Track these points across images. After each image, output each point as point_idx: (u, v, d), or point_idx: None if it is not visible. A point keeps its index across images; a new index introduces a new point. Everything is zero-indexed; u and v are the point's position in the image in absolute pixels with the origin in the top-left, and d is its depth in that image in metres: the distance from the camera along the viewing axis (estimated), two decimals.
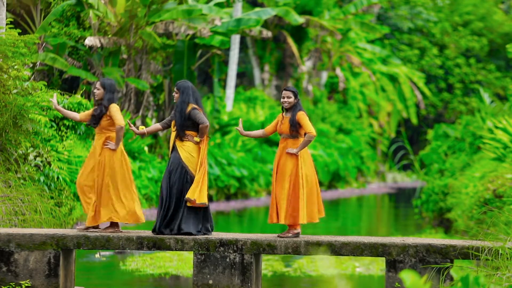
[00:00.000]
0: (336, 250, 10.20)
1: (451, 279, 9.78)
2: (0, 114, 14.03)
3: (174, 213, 10.50)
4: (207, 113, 33.28)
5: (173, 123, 10.73)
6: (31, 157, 14.75)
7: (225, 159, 31.17)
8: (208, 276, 10.30)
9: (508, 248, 9.25)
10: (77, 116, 11.16)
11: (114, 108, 10.81)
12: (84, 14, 26.36)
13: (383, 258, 10.69)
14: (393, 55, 51.32)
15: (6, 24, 15.59)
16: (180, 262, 15.36)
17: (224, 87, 38.51)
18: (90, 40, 25.26)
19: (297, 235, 10.47)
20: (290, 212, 10.39)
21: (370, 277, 14.54)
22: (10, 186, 13.72)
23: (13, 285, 10.34)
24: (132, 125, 10.89)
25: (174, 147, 10.66)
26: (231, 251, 10.28)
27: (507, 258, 9.12)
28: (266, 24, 39.79)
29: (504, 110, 25.06)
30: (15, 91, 14.23)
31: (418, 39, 56.87)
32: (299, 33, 42.00)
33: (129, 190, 10.85)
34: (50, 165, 15.00)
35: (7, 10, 23.90)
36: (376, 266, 15.24)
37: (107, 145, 10.77)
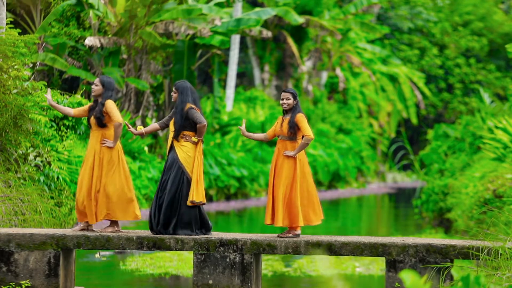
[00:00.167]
0: (336, 250, 10.20)
1: (451, 279, 9.78)
2: (0, 114, 14.03)
3: (170, 213, 10.49)
4: (207, 113, 33.28)
5: (171, 123, 10.72)
6: (31, 157, 14.75)
7: (225, 159, 31.17)
8: (208, 276, 10.30)
9: (508, 248, 9.25)
10: (71, 111, 11.10)
11: (111, 105, 10.77)
12: (84, 14, 26.37)
13: (383, 258, 10.69)
14: (393, 55, 51.32)
15: (6, 24, 15.59)
16: (180, 262, 15.36)
17: (224, 87, 38.51)
18: (90, 40, 25.26)
19: (297, 235, 10.47)
20: (287, 215, 10.40)
21: (370, 277, 14.54)
22: (10, 186, 13.73)
23: (13, 285, 10.34)
24: (130, 126, 10.87)
25: (172, 147, 10.66)
26: (231, 251, 10.28)
27: (507, 258, 9.12)
28: (266, 24, 39.79)
29: (504, 110, 25.06)
30: (15, 91, 14.23)
31: (418, 39, 56.88)
32: (299, 33, 42.00)
33: (129, 187, 10.84)
34: (50, 165, 15.01)
35: (7, 10, 23.90)
36: (376, 266, 15.24)
37: (104, 143, 10.76)
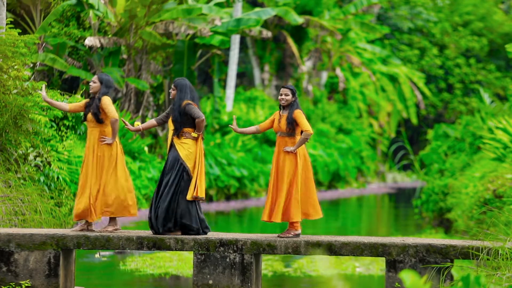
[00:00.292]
0: (336, 250, 10.20)
1: (451, 279, 9.78)
2: (0, 114, 14.03)
3: (169, 209, 10.48)
4: (207, 113, 33.28)
5: (170, 121, 10.71)
6: (31, 157, 14.74)
7: (225, 159, 31.16)
8: (208, 276, 10.30)
9: (508, 248, 9.25)
10: (66, 107, 11.07)
11: (106, 101, 10.75)
12: (84, 14, 26.37)
13: (383, 258, 10.69)
14: (393, 55, 51.32)
15: (6, 24, 15.59)
16: (180, 262, 15.36)
17: (224, 87, 38.51)
18: (90, 40, 25.26)
19: (297, 235, 10.47)
20: (286, 210, 10.40)
21: (370, 277, 14.54)
22: (10, 186, 13.72)
23: (13, 285, 10.34)
24: (126, 122, 10.85)
25: (172, 145, 10.65)
26: (231, 251, 10.28)
27: (507, 258, 9.12)
28: (266, 24, 39.79)
29: (504, 110, 25.06)
30: (15, 91, 14.23)
31: (418, 39, 56.88)
32: (299, 33, 42.00)
33: (128, 185, 10.84)
34: (50, 165, 15.00)
35: (7, 10, 23.90)
36: (376, 266, 15.24)
37: (103, 141, 10.75)
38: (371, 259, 15.63)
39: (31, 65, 19.48)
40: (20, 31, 14.88)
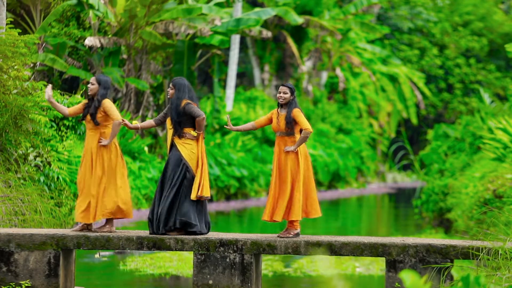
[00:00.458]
0: (336, 250, 10.20)
1: (451, 279, 9.78)
2: (0, 114, 14.03)
3: (172, 210, 10.47)
4: (207, 113, 33.28)
5: (168, 121, 10.70)
6: (31, 157, 14.75)
7: (225, 159, 31.17)
8: (208, 276, 10.30)
9: (508, 248, 9.25)
10: (66, 111, 11.08)
11: (108, 104, 10.79)
12: (84, 14, 26.37)
13: (383, 258, 10.69)
14: (393, 55, 51.32)
15: (6, 24, 15.59)
16: (180, 262, 15.36)
17: (224, 87, 38.51)
18: (90, 40, 25.26)
19: (297, 235, 10.47)
20: (288, 209, 10.40)
21: (370, 277, 14.54)
22: (10, 186, 13.73)
23: (13, 285, 10.34)
24: (126, 121, 10.85)
25: (173, 145, 10.64)
26: (231, 251, 10.28)
27: (507, 258, 9.12)
28: (266, 24, 39.79)
29: (504, 110, 25.06)
30: (15, 91, 14.23)
31: (418, 39, 56.88)
32: (299, 33, 42.00)
33: (125, 188, 10.85)
34: (50, 165, 15.00)
35: (7, 10, 23.90)
36: (376, 266, 15.24)
37: (100, 142, 10.76)
38: (371, 259, 15.63)
39: (31, 65, 19.48)
40: (20, 31, 14.88)
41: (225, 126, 11.02)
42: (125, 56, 28.25)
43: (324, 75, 46.45)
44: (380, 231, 23.77)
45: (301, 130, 10.45)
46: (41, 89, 14.70)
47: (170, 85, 10.73)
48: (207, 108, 33.77)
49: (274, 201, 10.43)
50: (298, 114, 10.46)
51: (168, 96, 10.76)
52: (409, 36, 56.86)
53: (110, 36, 27.22)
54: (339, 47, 45.40)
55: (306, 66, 44.11)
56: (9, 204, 13.17)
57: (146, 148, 26.96)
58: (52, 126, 15.87)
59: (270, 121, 10.70)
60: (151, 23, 27.68)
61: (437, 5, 59.93)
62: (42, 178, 14.78)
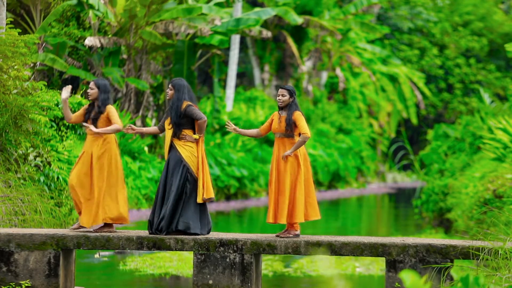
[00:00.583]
0: (336, 250, 10.20)
1: (451, 279, 9.78)
2: (0, 114, 14.03)
3: (175, 212, 10.46)
4: (207, 113, 33.29)
5: (167, 121, 10.67)
6: (31, 157, 14.75)
7: (225, 159, 31.17)
8: (208, 276, 10.30)
9: (508, 248, 9.25)
10: (70, 116, 11.02)
11: (113, 110, 10.80)
12: (84, 14, 26.37)
13: (383, 258, 10.69)
14: (393, 55, 51.33)
15: (6, 24, 15.59)
16: (180, 262, 15.36)
17: (224, 87, 38.52)
18: (90, 40, 25.26)
19: (297, 236, 10.46)
20: (290, 211, 10.39)
21: (370, 277, 14.54)
22: (10, 186, 13.73)
23: (13, 285, 10.34)
24: (129, 128, 10.83)
25: (172, 146, 10.60)
26: (231, 251, 10.27)
27: (507, 258, 9.12)
28: (266, 24, 39.79)
29: (504, 110, 25.06)
30: (15, 91, 14.23)
31: (418, 39, 56.89)
32: (299, 33, 42.00)
33: (123, 193, 10.85)
34: (50, 165, 15.01)
35: (7, 10, 23.90)
36: (376, 266, 15.24)
37: (87, 127, 10.72)
38: (371, 259, 15.63)
39: (31, 65, 19.49)
40: (20, 31, 14.88)
41: (228, 128, 10.85)
42: (125, 56, 28.25)
43: (324, 75, 46.45)
44: (380, 231, 23.77)
45: (300, 134, 10.44)
46: (41, 89, 14.70)
47: (169, 86, 10.69)
48: (207, 108, 33.77)
49: (275, 203, 10.42)
50: (299, 117, 10.44)
51: (168, 97, 10.71)
52: (409, 36, 56.87)
53: (110, 36, 27.23)
54: (339, 47, 45.40)
55: (306, 66, 44.11)
56: (9, 204, 13.17)
57: (146, 148, 26.96)
58: (52, 126, 15.87)
59: (271, 125, 10.68)
60: (151, 23, 27.68)
61: (437, 5, 59.94)
62: (42, 178, 14.78)
